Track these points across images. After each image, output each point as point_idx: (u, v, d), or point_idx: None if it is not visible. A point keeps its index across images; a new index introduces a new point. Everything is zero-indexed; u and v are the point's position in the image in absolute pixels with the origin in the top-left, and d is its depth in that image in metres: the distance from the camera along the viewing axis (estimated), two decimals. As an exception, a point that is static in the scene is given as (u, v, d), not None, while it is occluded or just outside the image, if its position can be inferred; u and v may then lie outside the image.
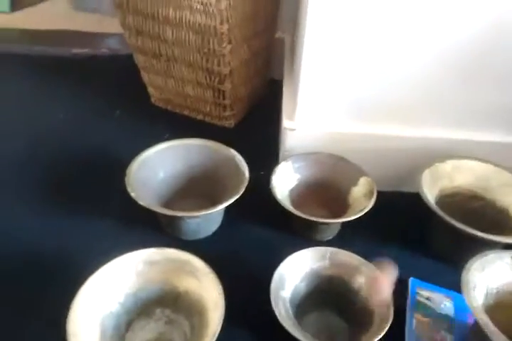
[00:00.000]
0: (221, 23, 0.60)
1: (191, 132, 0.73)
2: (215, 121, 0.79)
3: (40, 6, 1.19)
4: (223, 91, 0.72)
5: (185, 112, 0.80)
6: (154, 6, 0.62)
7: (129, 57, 0.86)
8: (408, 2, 0.48)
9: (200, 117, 0.80)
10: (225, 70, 0.68)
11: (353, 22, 0.50)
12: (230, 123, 0.79)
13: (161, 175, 0.59)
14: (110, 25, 1.07)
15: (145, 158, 0.57)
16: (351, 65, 0.54)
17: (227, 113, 0.76)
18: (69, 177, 0.66)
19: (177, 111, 0.81)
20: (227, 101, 0.74)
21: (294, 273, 0.45)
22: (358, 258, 0.45)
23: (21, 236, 0.56)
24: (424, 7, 0.48)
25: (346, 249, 0.49)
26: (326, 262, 0.46)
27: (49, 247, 0.55)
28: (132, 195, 0.51)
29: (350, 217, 0.51)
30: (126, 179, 0.53)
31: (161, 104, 0.81)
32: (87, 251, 0.55)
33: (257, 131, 0.79)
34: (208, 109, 0.77)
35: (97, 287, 0.41)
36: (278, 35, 0.85)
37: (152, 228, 0.58)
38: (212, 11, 0.59)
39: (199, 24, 0.61)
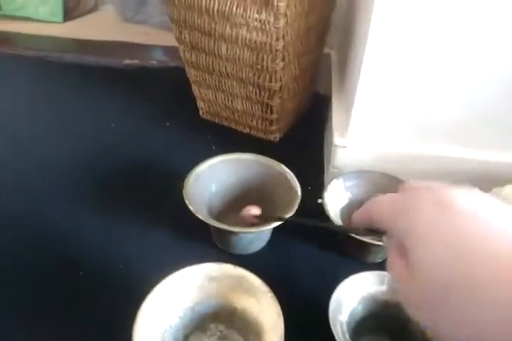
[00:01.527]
0: (277, 40, 0.61)
1: (237, 145, 0.74)
2: (261, 135, 0.80)
3: (90, 17, 1.24)
4: (271, 106, 0.73)
5: (232, 125, 0.81)
6: (211, 23, 0.64)
7: (178, 70, 0.88)
8: (470, 24, 0.47)
9: (246, 130, 0.81)
10: (276, 86, 0.68)
11: (414, 40, 0.49)
12: (275, 136, 0.79)
13: (213, 188, 0.60)
14: (157, 37, 1.11)
15: (200, 171, 0.58)
16: (409, 83, 0.53)
17: (274, 127, 0.77)
18: (121, 187, 0.68)
19: (224, 123, 0.82)
20: (274, 116, 0.75)
21: (351, 297, 0.45)
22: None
23: (77, 247, 0.58)
24: (487, 27, 0.47)
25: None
26: (384, 287, 0.45)
27: (104, 258, 0.57)
28: (191, 208, 0.52)
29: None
30: (183, 192, 0.54)
31: (208, 117, 0.83)
32: (141, 261, 0.56)
33: (301, 145, 0.80)
34: (255, 122, 0.78)
35: (159, 300, 0.42)
36: (325, 50, 0.86)
37: (202, 240, 0.59)
38: (269, 28, 0.60)
39: (255, 41, 0.63)
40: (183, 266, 0.45)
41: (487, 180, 0.55)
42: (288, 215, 0.52)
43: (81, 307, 0.51)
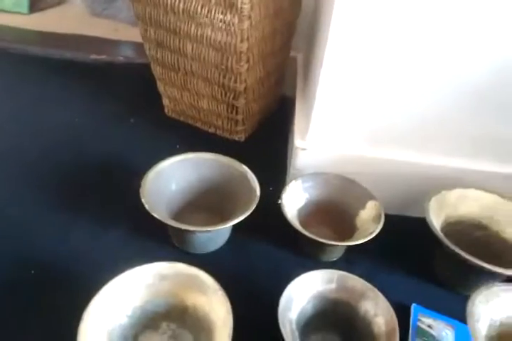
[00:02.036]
0: (241, 42, 0.62)
1: (202, 144, 0.75)
2: (226, 135, 0.80)
3: (58, 9, 1.21)
4: (237, 107, 0.73)
5: (198, 124, 0.81)
6: (177, 21, 0.64)
7: (145, 66, 0.87)
8: (424, 31, 0.49)
9: (211, 130, 0.81)
10: (241, 87, 0.69)
11: (372, 48, 0.51)
12: (240, 137, 0.80)
13: (173, 187, 0.60)
14: (125, 32, 1.09)
15: (159, 170, 0.58)
16: (367, 89, 0.55)
17: (239, 127, 0.78)
18: (81, 183, 0.67)
19: (189, 122, 0.82)
20: (239, 117, 0.75)
21: (301, 295, 0.46)
22: (365, 283, 0.46)
23: (33, 242, 0.57)
24: (441, 40, 0.50)
25: (351, 271, 0.50)
26: (333, 285, 0.47)
27: (59, 255, 0.56)
28: (146, 206, 0.51)
29: (357, 240, 0.52)
30: (140, 190, 0.54)
31: (174, 115, 0.83)
32: (96, 259, 0.56)
33: (266, 146, 0.81)
34: (220, 122, 0.78)
35: (107, 299, 0.41)
36: (291, 53, 0.87)
37: (160, 239, 0.59)
38: (234, 30, 0.61)
39: (219, 42, 0.63)
40: (138, 265, 0.45)
41: (437, 183, 0.58)
42: (245, 215, 0.53)
43: (30, 306, 0.50)
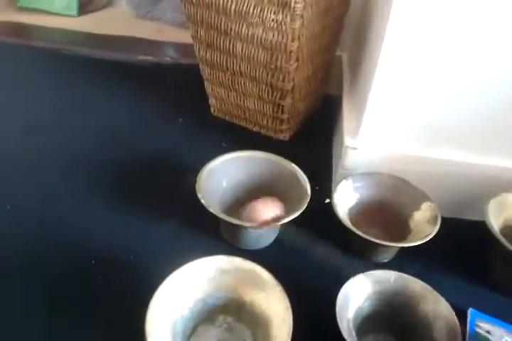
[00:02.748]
0: (292, 41, 0.62)
1: (247, 143, 0.76)
2: (271, 134, 0.81)
3: (105, 12, 1.25)
4: (283, 106, 0.74)
5: (243, 123, 0.82)
6: (228, 22, 0.65)
7: (190, 67, 0.89)
8: (484, 33, 0.48)
9: (256, 129, 0.82)
10: (288, 86, 0.69)
11: (427, 48, 0.50)
12: (285, 136, 0.80)
13: (224, 184, 0.61)
14: (169, 34, 1.12)
15: (212, 167, 0.59)
16: (422, 87, 0.54)
17: (284, 126, 0.78)
18: (133, 180, 0.69)
19: (235, 121, 0.83)
20: (285, 116, 0.76)
21: (358, 294, 0.46)
22: (424, 285, 0.46)
23: (89, 238, 0.59)
24: (500, 38, 0.48)
25: (404, 273, 0.49)
26: (391, 285, 0.46)
27: (116, 249, 0.58)
28: (202, 201, 0.53)
29: (412, 242, 0.51)
30: (196, 186, 0.55)
31: (220, 115, 0.84)
32: (151, 253, 0.58)
33: (310, 144, 0.81)
34: (265, 121, 0.79)
35: (171, 291, 0.43)
36: (336, 52, 0.87)
37: (211, 234, 0.61)
38: (285, 29, 0.61)
39: (270, 41, 0.64)
40: (192, 257, 0.46)
41: (494, 185, 0.56)
42: (297, 213, 0.53)
43: (93, 296, 0.52)
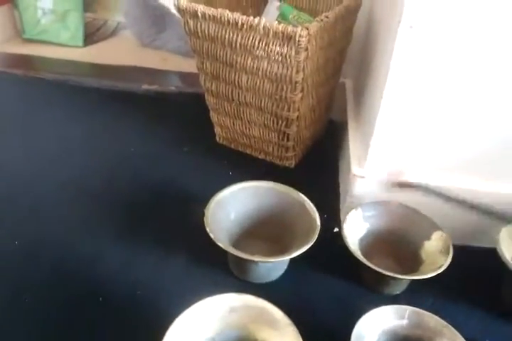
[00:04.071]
0: (297, 73, 0.63)
1: (253, 171, 0.76)
2: (276, 161, 0.81)
3: (110, 42, 1.28)
4: (288, 134, 0.74)
5: (248, 151, 0.83)
6: (233, 55, 0.66)
7: (195, 96, 0.91)
8: (489, 62, 0.49)
9: (261, 156, 0.82)
10: (293, 115, 0.70)
11: (433, 75, 0.51)
12: (290, 163, 0.80)
13: (232, 216, 0.61)
14: (174, 62, 1.14)
15: (220, 198, 0.59)
16: (428, 115, 0.55)
17: (289, 154, 0.78)
18: (140, 211, 0.69)
19: (240, 149, 0.83)
20: (290, 143, 0.76)
21: (372, 331, 0.44)
22: (439, 319, 0.45)
23: (96, 271, 0.59)
24: (505, 67, 0.49)
25: (415, 306, 0.48)
26: (405, 321, 0.45)
27: (122, 282, 0.57)
28: (211, 236, 0.52)
29: (425, 274, 0.50)
30: (204, 219, 0.55)
31: (225, 143, 0.84)
32: (159, 288, 0.57)
33: (316, 171, 0.81)
34: (271, 149, 0.79)
35: (181, 330, 0.42)
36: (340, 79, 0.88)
37: (219, 267, 0.60)
38: (290, 61, 0.62)
39: (275, 73, 0.65)
40: (201, 294, 0.46)
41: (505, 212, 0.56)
42: (308, 245, 0.52)
43: (101, 334, 0.51)
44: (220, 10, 0.62)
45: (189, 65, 1.03)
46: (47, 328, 0.51)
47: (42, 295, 0.55)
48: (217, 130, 0.83)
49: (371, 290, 0.57)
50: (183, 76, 1.05)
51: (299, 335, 0.42)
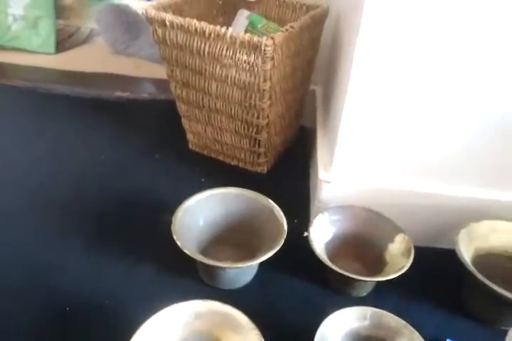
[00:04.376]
0: (264, 81, 0.64)
1: (225, 177, 0.77)
2: (248, 167, 0.82)
3: (82, 49, 1.26)
4: (259, 141, 0.76)
5: (220, 157, 0.84)
6: (202, 63, 0.67)
7: (167, 102, 0.91)
8: (452, 66, 0.51)
9: (234, 163, 0.83)
10: (263, 122, 0.71)
11: (394, 80, 0.53)
12: (262, 169, 0.82)
13: (201, 222, 0.61)
14: (147, 69, 1.14)
15: (188, 206, 0.59)
16: (391, 121, 0.57)
17: (261, 160, 0.79)
18: (109, 219, 0.68)
19: (212, 156, 0.84)
20: (261, 150, 0.77)
21: (335, 333, 0.46)
22: (399, 319, 0.46)
23: (63, 281, 0.58)
24: (467, 71, 0.51)
25: (381, 307, 0.50)
26: (367, 322, 0.46)
27: (90, 291, 0.57)
28: (178, 243, 0.53)
29: (387, 275, 0.52)
30: (172, 226, 0.55)
31: (197, 149, 0.85)
32: (127, 297, 0.56)
33: (288, 177, 0.82)
34: (243, 155, 0.80)
35: (146, 338, 0.42)
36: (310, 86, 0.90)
37: (188, 274, 0.60)
38: (257, 70, 0.63)
39: (243, 81, 0.66)
40: (170, 302, 0.46)
41: (464, 214, 0.58)
42: (274, 250, 0.53)
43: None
44: (187, 19, 0.63)
45: (162, 72, 1.03)
46: (12, 339, 0.50)
47: (7, 305, 0.54)
48: (189, 137, 0.84)
49: (338, 293, 0.58)
50: (156, 83, 1.05)
51: (262, 338, 0.42)
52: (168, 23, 0.64)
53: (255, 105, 0.68)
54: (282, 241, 0.55)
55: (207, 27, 0.62)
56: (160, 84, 1.04)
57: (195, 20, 0.63)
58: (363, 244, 0.60)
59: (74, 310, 0.54)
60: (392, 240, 0.57)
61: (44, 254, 0.61)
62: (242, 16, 0.78)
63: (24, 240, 0.63)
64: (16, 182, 0.74)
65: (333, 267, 0.52)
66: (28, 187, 0.73)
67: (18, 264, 0.59)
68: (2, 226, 0.65)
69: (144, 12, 0.66)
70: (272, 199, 0.61)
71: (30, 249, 0.62)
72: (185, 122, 0.81)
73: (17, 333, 0.51)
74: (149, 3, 1.84)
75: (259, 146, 0.77)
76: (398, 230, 0.57)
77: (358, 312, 0.46)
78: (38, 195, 0.72)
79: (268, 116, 0.71)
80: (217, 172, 0.80)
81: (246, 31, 0.76)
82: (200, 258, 0.52)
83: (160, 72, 1.09)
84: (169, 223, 0.56)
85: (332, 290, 0.59)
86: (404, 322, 0.46)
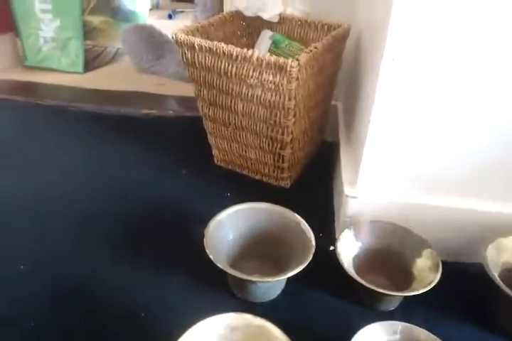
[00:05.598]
0: (289, 100, 0.67)
1: (250, 191, 0.79)
2: (272, 181, 0.84)
3: (109, 68, 1.32)
4: (283, 156, 0.78)
5: (245, 172, 0.86)
6: (229, 83, 0.70)
7: (193, 119, 0.94)
8: (478, 80, 0.53)
9: (258, 177, 0.85)
10: (287, 139, 0.73)
11: (419, 98, 0.55)
12: (286, 183, 0.83)
13: (231, 236, 0.63)
14: (171, 87, 1.18)
15: (219, 220, 0.61)
16: (417, 136, 0.58)
17: (285, 174, 0.81)
18: (140, 234, 0.71)
19: (237, 170, 0.87)
20: (285, 165, 0.79)
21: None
22: (429, 334, 0.47)
23: (98, 293, 0.60)
24: (493, 90, 0.53)
25: (409, 321, 0.50)
26: (397, 337, 0.47)
27: (124, 302, 0.59)
28: (211, 257, 0.55)
29: (416, 290, 0.53)
30: (204, 240, 0.57)
31: (222, 164, 0.88)
32: (161, 309, 0.58)
33: (311, 191, 0.84)
34: (267, 170, 0.82)
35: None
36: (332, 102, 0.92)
37: (218, 287, 0.62)
38: (283, 89, 0.66)
39: (269, 100, 0.68)
40: (202, 314, 0.47)
41: (490, 230, 0.59)
42: (304, 265, 0.55)
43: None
44: (215, 42, 0.66)
45: (186, 90, 1.07)
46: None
47: (44, 320, 0.56)
48: (214, 152, 0.87)
49: (365, 307, 0.59)
50: (180, 100, 1.09)
51: (297, 353, 0.44)
52: (197, 47, 0.68)
53: (280, 122, 0.71)
54: (311, 256, 0.56)
55: (234, 49, 0.65)
56: (184, 101, 1.08)
57: (222, 44, 0.66)
58: (389, 259, 0.61)
59: (111, 321, 0.56)
60: (419, 255, 0.58)
61: (78, 268, 0.64)
62: (266, 36, 0.81)
63: (58, 255, 0.66)
64: (46, 199, 0.77)
65: (362, 281, 0.54)
66: (58, 204, 0.76)
67: (52, 279, 0.62)
68: (38, 238, 0.68)
69: (174, 36, 0.70)
70: (296, 213, 0.63)
71: (63, 263, 0.65)
72: (211, 138, 0.84)
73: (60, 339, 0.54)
74: (171, 21, 1.90)
75: (283, 161, 0.79)
76: (426, 245, 0.58)
77: (388, 327, 0.47)
78: (69, 211, 0.75)
79: (292, 133, 0.73)
80: (242, 187, 0.82)
81: (269, 51, 0.79)
82: (232, 272, 0.54)
83: (183, 89, 1.13)
84: (198, 236, 0.58)
85: (359, 304, 0.59)
86: (435, 337, 0.46)
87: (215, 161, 0.88)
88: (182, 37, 0.69)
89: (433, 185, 0.62)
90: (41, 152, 0.91)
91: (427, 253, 0.57)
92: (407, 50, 0.51)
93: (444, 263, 0.57)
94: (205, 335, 0.46)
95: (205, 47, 0.67)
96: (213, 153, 0.87)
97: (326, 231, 0.72)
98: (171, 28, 1.31)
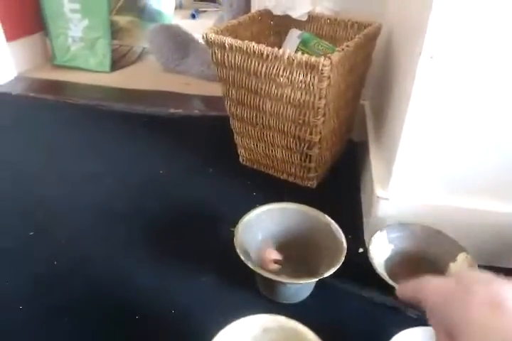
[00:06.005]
0: (319, 99, 0.66)
1: (276, 191, 0.79)
2: (298, 181, 0.84)
3: (135, 67, 1.34)
4: (310, 156, 0.77)
5: (271, 172, 0.86)
6: (258, 83, 0.70)
7: (218, 118, 0.95)
8: (509, 85, 0.51)
9: (284, 177, 0.84)
10: (316, 138, 0.73)
11: (456, 98, 0.53)
12: (312, 183, 0.83)
13: (260, 236, 0.63)
14: (197, 87, 1.19)
15: (248, 220, 0.61)
16: (452, 137, 0.57)
17: (311, 174, 0.81)
18: (170, 232, 0.72)
19: (263, 170, 0.86)
20: (312, 164, 0.78)
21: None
22: None
23: (130, 290, 0.61)
24: None
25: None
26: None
27: (155, 301, 0.59)
28: (241, 257, 0.55)
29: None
30: (234, 240, 0.57)
31: (248, 164, 0.87)
32: (191, 307, 0.59)
33: (337, 191, 0.83)
34: (293, 170, 0.82)
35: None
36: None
37: (247, 287, 0.61)
38: (313, 89, 0.65)
39: (298, 99, 0.68)
40: (232, 313, 0.47)
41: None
42: (336, 267, 0.54)
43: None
44: (246, 42, 0.66)
45: (212, 89, 1.08)
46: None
47: (80, 316, 0.57)
48: (240, 151, 0.86)
49: (399, 311, 0.58)
50: (206, 99, 1.09)
51: (332, 356, 0.43)
52: (227, 46, 0.68)
53: (309, 122, 0.70)
54: (343, 259, 0.55)
55: (265, 49, 0.65)
56: (210, 100, 1.08)
57: (253, 43, 0.66)
58: (422, 262, 0.59)
59: (143, 319, 0.57)
60: (453, 259, 0.56)
61: (109, 266, 0.65)
62: (294, 35, 0.81)
63: (90, 253, 0.67)
64: (77, 197, 0.78)
65: (395, 285, 0.52)
66: (88, 202, 0.77)
67: (86, 276, 0.63)
68: (69, 239, 0.69)
69: (204, 36, 0.70)
70: (322, 212, 0.62)
71: (96, 262, 0.65)
72: (237, 138, 0.84)
73: (88, 338, 0.55)
74: (194, 21, 1.91)
75: (310, 161, 0.78)
76: (460, 249, 0.56)
77: (425, 333, 0.46)
78: (100, 208, 0.76)
79: (321, 132, 0.72)
80: (268, 186, 0.82)
81: (298, 50, 0.78)
82: (262, 272, 0.54)
83: (208, 89, 1.14)
84: (226, 235, 0.58)
85: (391, 308, 0.58)
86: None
87: (241, 161, 0.88)
88: (212, 36, 0.69)
89: (467, 187, 0.60)
90: (69, 150, 0.93)
91: (462, 257, 0.56)
92: (446, 48, 0.50)
93: (479, 268, 0.55)
94: (239, 335, 0.46)
95: (236, 46, 0.67)
96: (239, 152, 0.87)
97: (354, 233, 0.71)
98: (194, 27, 1.33)
